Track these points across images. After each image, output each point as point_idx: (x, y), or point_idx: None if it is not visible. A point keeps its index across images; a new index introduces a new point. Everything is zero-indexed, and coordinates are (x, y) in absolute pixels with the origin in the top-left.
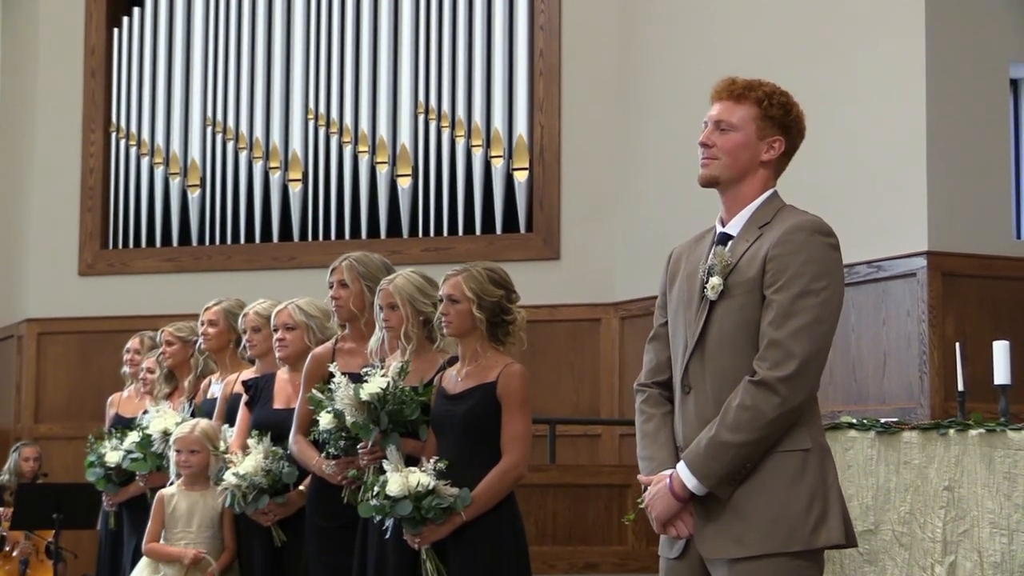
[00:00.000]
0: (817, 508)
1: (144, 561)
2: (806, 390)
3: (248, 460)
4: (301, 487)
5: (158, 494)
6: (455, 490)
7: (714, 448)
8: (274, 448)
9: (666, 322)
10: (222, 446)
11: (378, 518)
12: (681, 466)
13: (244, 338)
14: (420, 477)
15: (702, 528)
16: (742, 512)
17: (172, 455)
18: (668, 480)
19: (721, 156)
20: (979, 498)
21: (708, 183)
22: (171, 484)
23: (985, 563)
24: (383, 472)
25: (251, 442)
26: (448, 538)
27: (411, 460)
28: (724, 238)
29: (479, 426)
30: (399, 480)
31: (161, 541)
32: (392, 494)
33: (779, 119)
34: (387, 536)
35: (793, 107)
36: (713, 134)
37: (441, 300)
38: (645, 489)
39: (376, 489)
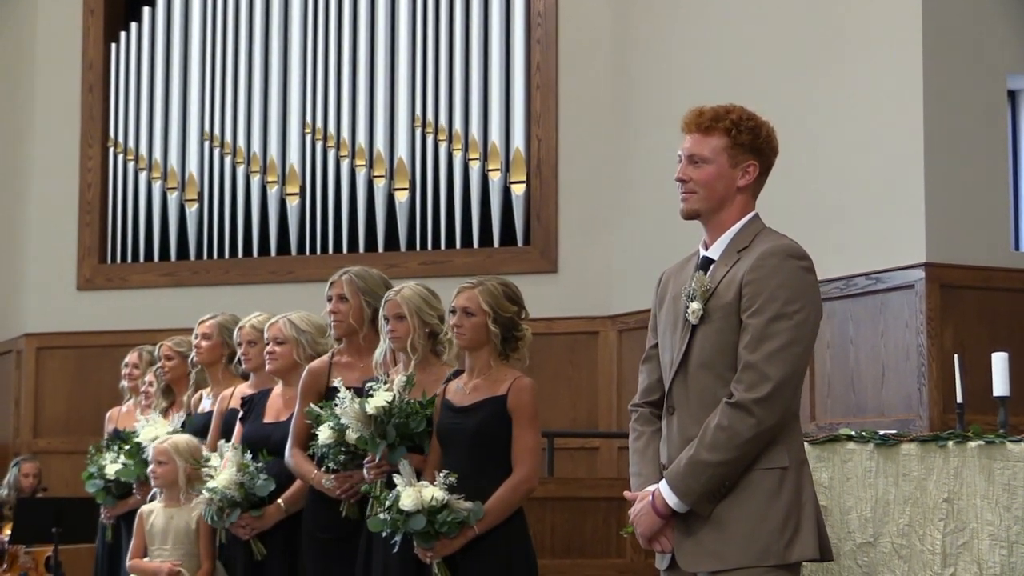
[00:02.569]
0: (792, 524)
1: None
2: (781, 411)
3: (222, 475)
4: (279, 501)
5: (139, 511)
6: (469, 504)
7: (692, 467)
8: (246, 461)
9: (657, 343)
10: (215, 460)
11: (386, 532)
12: (663, 484)
13: (239, 351)
14: (434, 491)
15: (681, 542)
16: (720, 527)
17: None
18: (651, 497)
19: (698, 189)
20: (978, 510)
21: (689, 216)
22: (151, 499)
23: (985, 575)
24: (390, 486)
25: (228, 454)
26: (458, 551)
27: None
28: (706, 262)
29: (489, 439)
30: (412, 494)
31: (146, 558)
32: (406, 508)
33: (749, 144)
34: (395, 550)
35: (762, 128)
36: (687, 168)
37: (453, 312)
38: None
39: (388, 503)
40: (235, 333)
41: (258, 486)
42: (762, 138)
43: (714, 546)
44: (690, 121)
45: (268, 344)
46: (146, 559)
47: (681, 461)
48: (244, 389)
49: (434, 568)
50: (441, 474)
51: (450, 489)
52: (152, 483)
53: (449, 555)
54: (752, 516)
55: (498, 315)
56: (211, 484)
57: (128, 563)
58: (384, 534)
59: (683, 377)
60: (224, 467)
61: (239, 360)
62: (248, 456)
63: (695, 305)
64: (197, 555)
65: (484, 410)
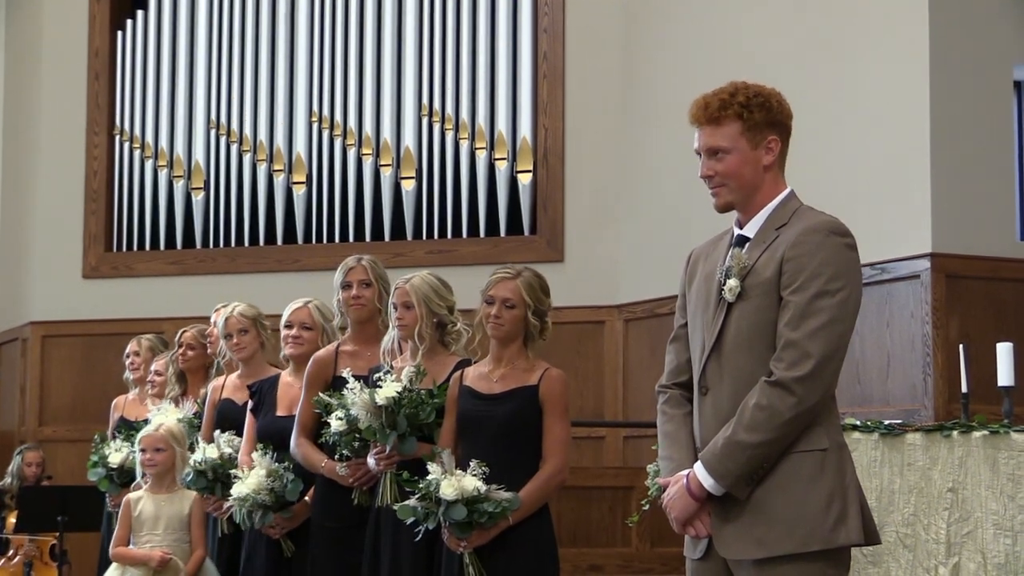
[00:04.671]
0: (836, 507)
1: (112, 567)
2: (822, 390)
3: (251, 478)
4: (306, 498)
5: (125, 498)
6: (508, 494)
7: (730, 448)
8: (275, 466)
9: (686, 323)
10: (211, 451)
11: (410, 520)
12: (698, 466)
13: (227, 342)
14: (475, 481)
15: (720, 529)
16: (761, 513)
17: (138, 455)
18: (685, 480)
19: (727, 181)
20: (983, 499)
21: (724, 210)
22: (135, 487)
23: (989, 564)
24: (412, 475)
25: (256, 457)
26: (487, 542)
27: (420, 464)
28: (741, 240)
29: (519, 428)
30: (453, 483)
31: (131, 546)
32: (447, 498)
33: (764, 120)
34: (418, 538)
35: (771, 99)
36: (710, 163)
37: (491, 302)
38: (663, 490)
39: (421, 491)
40: (221, 324)
41: (288, 490)
42: (774, 110)
43: (756, 532)
44: (697, 114)
45: (292, 328)
46: (131, 547)
47: (718, 442)
48: (235, 380)
49: (466, 558)
50: (472, 462)
51: (484, 479)
52: (145, 470)
53: (479, 545)
54: (794, 501)
55: (537, 307)
56: (243, 491)
57: (112, 551)
58: (409, 521)
59: (718, 357)
60: (245, 463)
61: (224, 352)
62: (272, 457)
63: (732, 282)
64: (188, 542)
65: (516, 399)
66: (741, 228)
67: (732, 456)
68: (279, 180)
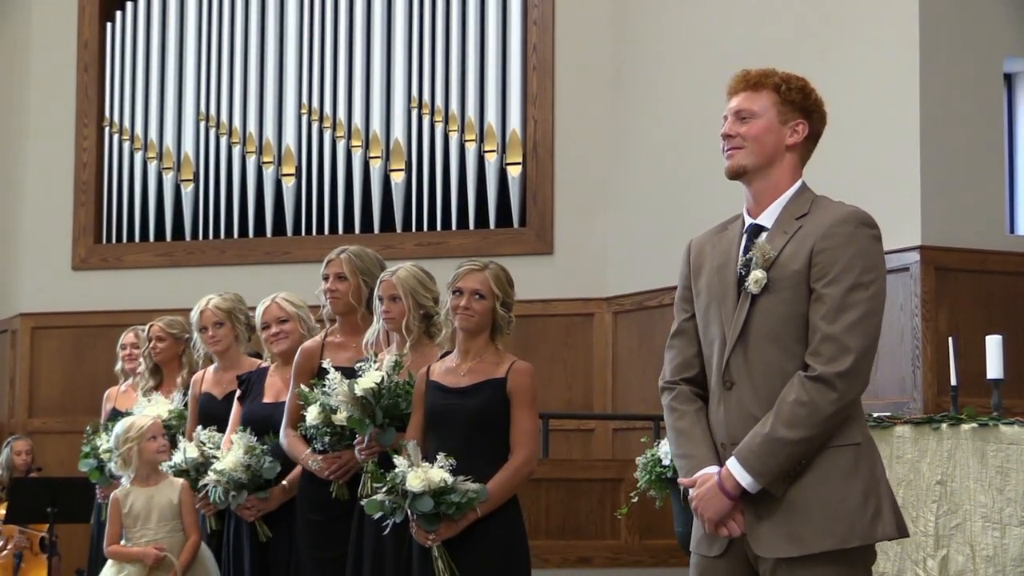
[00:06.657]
0: (872, 502)
1: (109, 563)
2: (861, 384)
3: (229, 456)
4: (284, 482)
5: (112, 496)
6: (475, 485)
7: (770, 445)
8: (253, 444)
9: (690, 316)
10: (192, 450)
11: (378, 514)
12: (733, 463)
13: (202, 335)
14: (442, 473)
15: (755, 526)
16: (798, 509)
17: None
18: (717, 478)
19: (746, 144)
20: (971, 492)
21: (736, 173)
22: (122, 483)
23: (977, 557)
24: (379, 467)
25: (234, 437)
26: (456, 534)
27: (388, 459)
28: (757, 229)
29: (487, 421)
30: (420, 475)
31: (123, 542)
32: (413, 490)
33: (799, 103)
34: (386, 532)
35: (811, 91)
36: (735, 124)
37: (459, 293)
38: (685, 491)
39: (388, 484)
40: (196, 317)
41: (264, 468)
42: (811, 100)
43: (793, 529)
44: (737, 81)
45: (270, 328)
46: (123, 543)
47: (755, 439)
48: (212, 374)
49: (434, 551)
50: (440, 455)
51: (452, 471)
52: (158, 459)
53: (447, 538)
54: (831, 496)
55: (504, 299)
56: (218, 466)
57: (107, 550)
58: (376, 516)
59: (742, 350)
60: (227, 447)
61: (197, 345)
62: (254, 438)
63: (758, 274)
64: (181, 530)
65: (484, 392)
66: (753, 217)
67: (772, 453)
68: (268, 172)
